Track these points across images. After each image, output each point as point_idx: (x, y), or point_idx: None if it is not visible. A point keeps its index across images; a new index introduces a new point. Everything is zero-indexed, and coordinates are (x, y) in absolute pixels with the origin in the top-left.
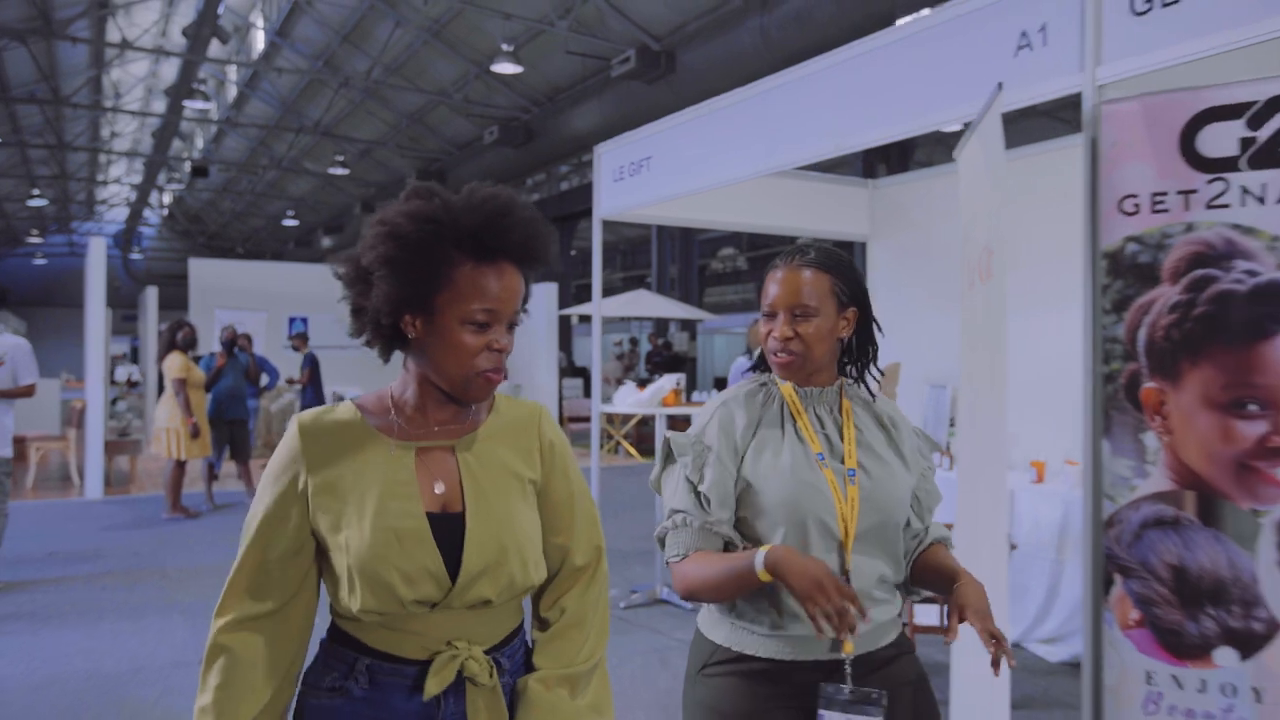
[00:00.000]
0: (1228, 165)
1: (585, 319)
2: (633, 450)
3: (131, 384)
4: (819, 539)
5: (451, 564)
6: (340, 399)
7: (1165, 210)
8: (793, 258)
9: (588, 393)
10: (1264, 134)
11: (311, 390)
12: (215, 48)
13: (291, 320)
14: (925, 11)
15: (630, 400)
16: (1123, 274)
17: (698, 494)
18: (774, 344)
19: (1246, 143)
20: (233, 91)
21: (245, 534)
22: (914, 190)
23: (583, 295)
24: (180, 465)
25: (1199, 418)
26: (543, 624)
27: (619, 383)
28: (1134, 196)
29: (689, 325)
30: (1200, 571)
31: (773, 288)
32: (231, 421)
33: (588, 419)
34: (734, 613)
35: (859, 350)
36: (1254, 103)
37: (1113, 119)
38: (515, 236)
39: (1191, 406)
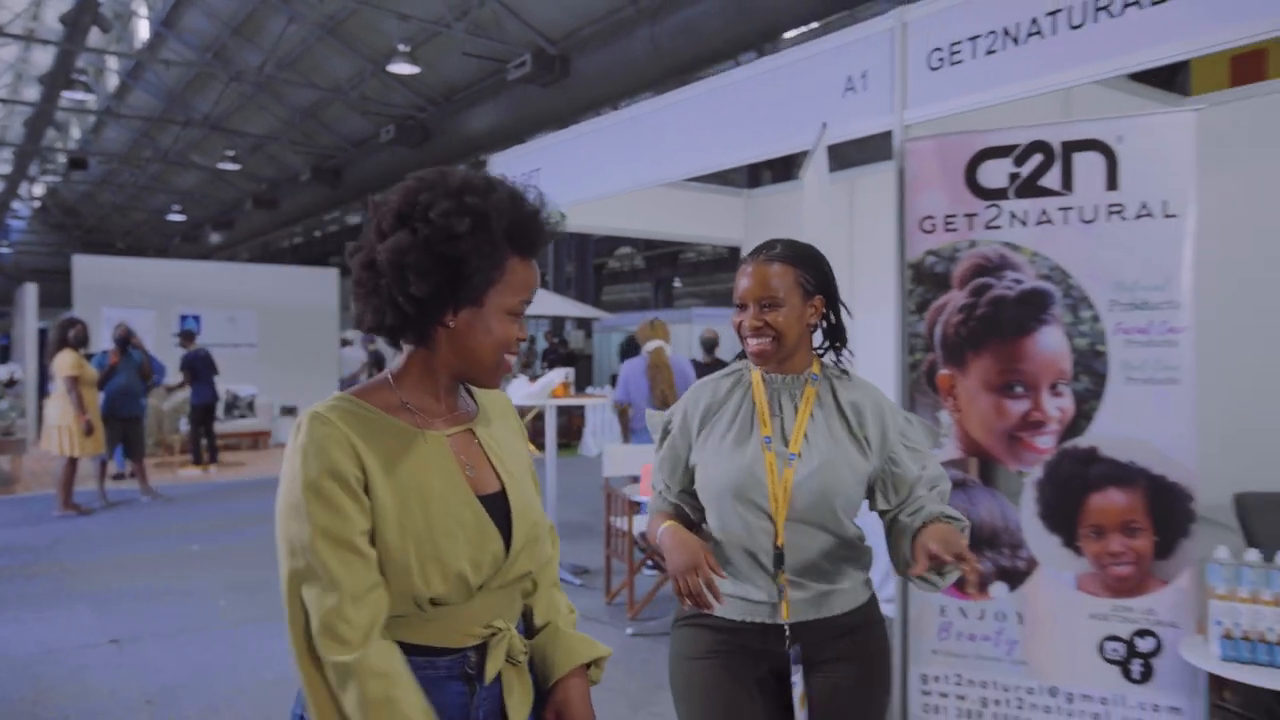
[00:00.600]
0: (1000, 194)
1: None
2: (530, 444)
3: (11, 382)
4: (751, 516)
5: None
6: (236, 397)
7: (955, 230)
8: (760, 253)
9: None
10: (1026, 170)
11: (199, 388)
12: (95, 36)
13: (183, 318)
14: (815, 24)
15: (522, 393)
16: (924, 281)
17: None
18: (746, 333)
19: (1014, 177)
20: (114, 81)
21: (335, 553)
22: (783, 200)
23: None
24: (72, 463)
25: (980, 398)
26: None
27: (513, 379)
28: (931, 218)
29: (585, 323)
30: (981, 522)
31: (743, 281)
32: (125, 419)
33: None
34: None
35: (831, 336)
36: (1018, 145)
37: (914, 154)
38: (545, 236)
39: (974, 389)
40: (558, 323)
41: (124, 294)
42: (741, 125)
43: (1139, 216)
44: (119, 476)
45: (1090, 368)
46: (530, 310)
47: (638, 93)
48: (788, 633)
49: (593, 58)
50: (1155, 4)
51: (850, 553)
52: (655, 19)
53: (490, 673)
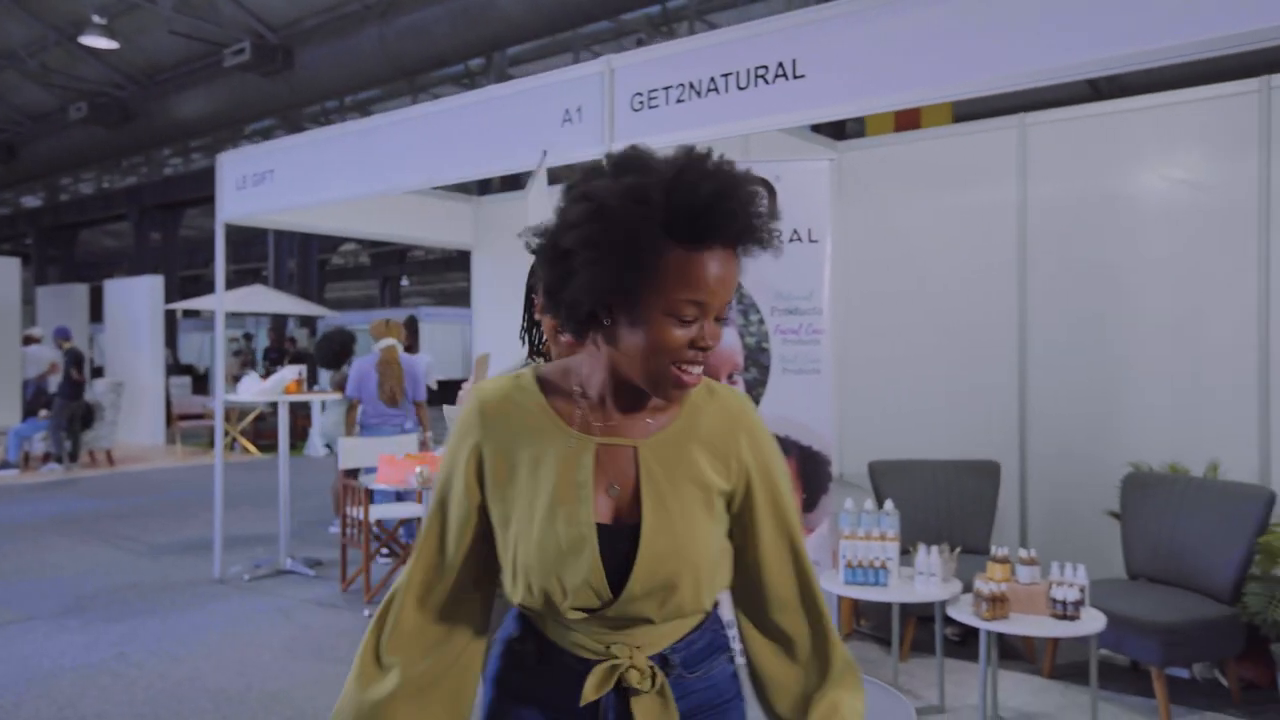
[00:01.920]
0: None
1: (190, 314)
2: (250, 446)
3: None
4: None
5: (620, 575)
6: None
7: None
8: None
9: (196, 390)
10: None
11: None
12: None
13: None
14: (541, 42)
15: (254, 390)
16: None
17: None
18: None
19: None
20: None
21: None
22: (512, 208)
23: (188, 288)
24: None
25: None
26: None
27: (235, 379)
28: None
29: (309, 321)
30: None
31: None
32: None
33: (198, 416)
34: None
35: None
36: None
37: None
38: (737, 223)
39: None
40: (279, 320)
41: None
42: (471, 144)
43: (791, 241)
44: None
45: (758, 361)
46: (251, 307)
47: (365, 89)
48: None
49: (318, 51)
50: (797, 78)
51: None
52: (384, 18)
53: (586, 694)
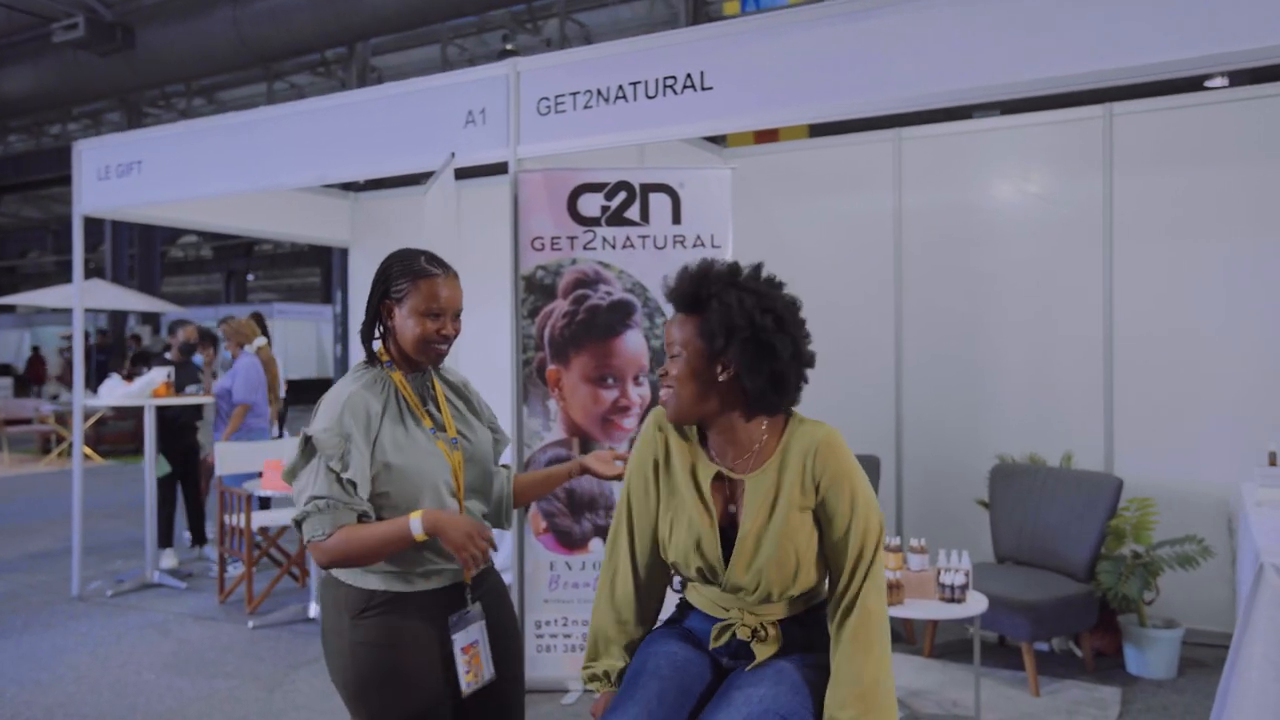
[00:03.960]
0: (595, 222)
1: (4, 309)
2: (91, 452)
3: None
4: (444, 497)
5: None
6: None
7: (560, 249)
8: (446, 268)
9: (19, 392)
10: (614, 203)
11: None
12: None
13: None
14: (407, 31)
15: (119, 393)
16: (534, 290)
17: (340, 480)
18: (438, 339)
19: (605, 209)
20: None
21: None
22: (392, 205)
23: (2, 281)
24: None
25: (580, 389)
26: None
27: (59, 380)
28: (540, 238)
29: (151, 318)
30: (583, 491)
31: (444, 292)
32: None
33: (26, 421)
34: (385, 563)
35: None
36: (608, 183)
37: (527, 183)
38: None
39: (575, 381)
40: (118, 317)
41: None
42: (366, 142)
43: (694, 245)
44: None
45: (662, 363)
46: (96, 303)
47: (217, 74)
48: (468, 590)
49: (164, 32)
50: (705, 90)
51: (493, 512)
52: (236, 1)
53: (713, 642)
